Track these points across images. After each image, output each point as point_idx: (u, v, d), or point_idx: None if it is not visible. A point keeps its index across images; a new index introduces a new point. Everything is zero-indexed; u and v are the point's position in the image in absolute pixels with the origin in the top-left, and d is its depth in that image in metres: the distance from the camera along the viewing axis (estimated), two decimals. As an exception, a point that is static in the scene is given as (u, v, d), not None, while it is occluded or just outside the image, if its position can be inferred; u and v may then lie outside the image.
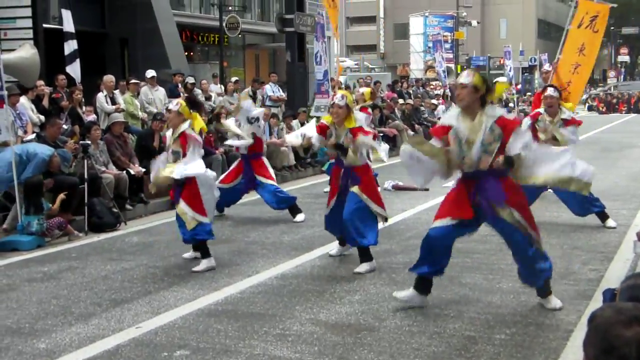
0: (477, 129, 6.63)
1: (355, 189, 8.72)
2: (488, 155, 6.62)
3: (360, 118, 8.98)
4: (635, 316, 2.26)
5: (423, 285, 7.19)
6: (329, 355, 6.01)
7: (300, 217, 11.99)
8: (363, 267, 8.64)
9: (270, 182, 12.05)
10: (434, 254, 7.04)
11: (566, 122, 10.81)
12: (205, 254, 8.96)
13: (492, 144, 6.60)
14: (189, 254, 9.39)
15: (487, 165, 6.65)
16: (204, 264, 8.89)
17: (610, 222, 10.92)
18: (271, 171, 12.35)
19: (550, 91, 10.90)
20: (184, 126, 8.90)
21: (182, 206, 8.88)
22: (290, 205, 12.11)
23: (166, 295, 7.81)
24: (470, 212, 6.88)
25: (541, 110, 10.98)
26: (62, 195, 11.05)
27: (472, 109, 6.68)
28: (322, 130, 9.03)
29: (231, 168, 12.45)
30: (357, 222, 8.68)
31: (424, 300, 7.21)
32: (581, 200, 10.53)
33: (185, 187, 8.88)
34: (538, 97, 12.47)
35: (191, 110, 9.18)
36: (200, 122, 9.10)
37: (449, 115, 7.05)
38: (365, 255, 8.74)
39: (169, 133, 9.23)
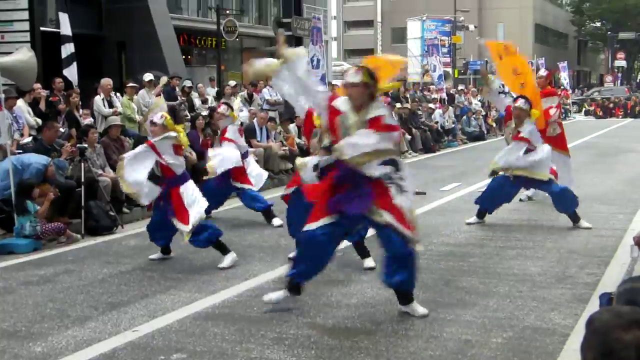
0: (358, 124, 6.67)
1: None
2: None
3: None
4: (634, 320, 2.26)
5: (296, 288, 7.26)
6: (325, 359, 6.01)
7: (276, 221, 12.00)
8: (371, 262, 8.75)
9: (248, 186, 12.23)
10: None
11: (515, 136, 11.12)
12: (224, 250, 9.21)
13: None
14: (157, 255, 9.60)
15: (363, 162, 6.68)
16: (227, 259, 9.14)
17: (584, 223, 11.14)
18: (251, 174, 12.44)
19: (520, 102, 11.07)
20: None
21: (175, 222, 9.14)
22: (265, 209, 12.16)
23: (163, 299, 7.81)
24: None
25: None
26: (50, 195, 11.00)
27: (363, 103, 6.70)
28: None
29: None
30: None
31: (295, 300, 7.30)
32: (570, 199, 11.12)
33: (172, 200, 9.18)
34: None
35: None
36: (183, 138, 9.37)
37: (342, 101, 6.93)
38: (365, 251, 8.89)
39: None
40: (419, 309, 7.07)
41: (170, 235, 9.47)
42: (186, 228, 9.01)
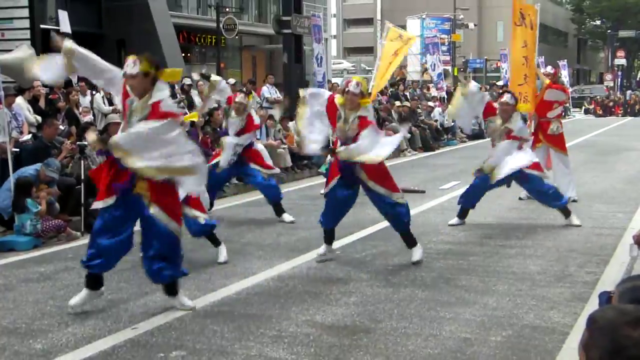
0: (144, 106, 6.76)
1: (369, 182, 8.91)
2: None
3: (369, 108, 9.00)
4: None
5: (94, 281, 7.32)
6: (324, 357, 6.02)
7: (287, 217, 12.00)
8: (418, 254, 9.02)
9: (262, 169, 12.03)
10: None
11: (508, 134, 10.98)
12: (215, 242, 9.31)
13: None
14: None
15: None
16: (222, 253, 9.27)
17: (575, 220, 11.15)
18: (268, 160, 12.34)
19: (507, 97, 11.00)
20: None
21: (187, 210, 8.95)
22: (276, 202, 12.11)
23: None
24: (112, 192, 6.98)
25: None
26: (44, 194, 10.98)
27: (145, 90, 6.78)
28: (332, 110, 8.91)
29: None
30: (394, 210, 8.97)
31: (99, 294, 7.37)
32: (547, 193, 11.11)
33: None
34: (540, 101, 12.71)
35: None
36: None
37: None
38: (411, 239, 9.05)
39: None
40: (186, 301, 7.27)
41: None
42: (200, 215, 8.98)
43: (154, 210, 6.95)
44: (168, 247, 7.11)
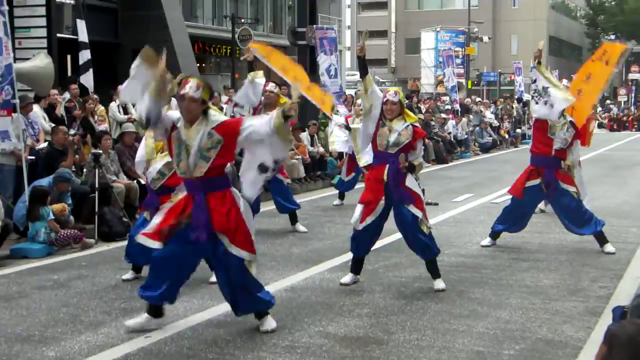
0: (194, 136, 6.53)
1: (412, 208, 8.26)
2: (204, 162, 6.54)
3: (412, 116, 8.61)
4: None
5: (155, 310, 7.01)
6: (337, 368, 6.02)
7: (300, 227, 12.04)
8: (441, 284, 8.42)
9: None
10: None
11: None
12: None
13: (210, 150, 6.52)
14: (129, 274, 9.12)
15: (203, 172, 6.56)
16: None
17: (609, 248, 10.40)
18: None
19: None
20: None
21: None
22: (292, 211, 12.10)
23: (175, 305, 7.78)
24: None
25: None
26: (60, 206, 11.07)
27: (195, 118, 6.58)
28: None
29: None
30: (424, 239, 8.39)
31: (160, 321, 7.04)
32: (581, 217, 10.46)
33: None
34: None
35: None
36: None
37: (177, 114, 6.74)
38: (436, 269, 8.52)
39: None
40: (272, 322, 7.00)
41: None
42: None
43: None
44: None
